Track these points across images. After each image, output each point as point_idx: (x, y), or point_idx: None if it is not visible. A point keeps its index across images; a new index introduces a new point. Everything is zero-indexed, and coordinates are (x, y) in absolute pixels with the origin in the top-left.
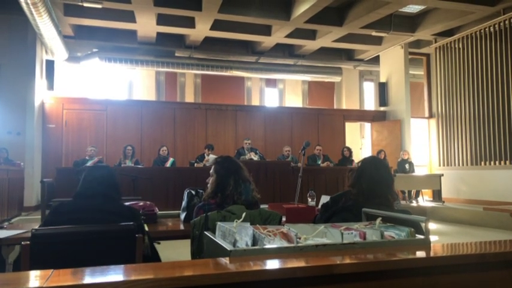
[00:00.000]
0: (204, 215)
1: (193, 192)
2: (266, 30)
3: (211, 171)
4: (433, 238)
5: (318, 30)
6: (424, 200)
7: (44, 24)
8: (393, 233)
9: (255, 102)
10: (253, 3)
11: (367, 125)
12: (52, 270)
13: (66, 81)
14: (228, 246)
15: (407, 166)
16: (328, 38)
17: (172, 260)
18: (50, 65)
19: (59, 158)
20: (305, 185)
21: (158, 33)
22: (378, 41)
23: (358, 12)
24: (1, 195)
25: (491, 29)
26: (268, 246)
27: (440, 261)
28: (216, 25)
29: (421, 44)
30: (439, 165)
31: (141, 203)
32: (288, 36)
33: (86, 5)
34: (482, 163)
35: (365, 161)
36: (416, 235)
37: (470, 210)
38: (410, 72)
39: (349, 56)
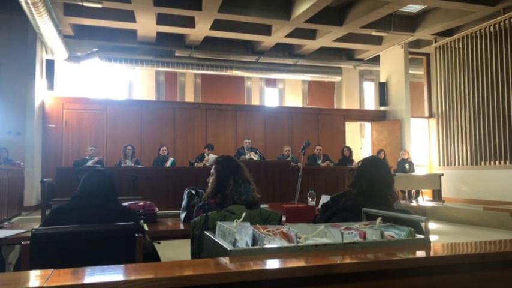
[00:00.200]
0: (204, 214)
1: (193, 192)
2: (266, 30)
3: (212, 170)
4: (433, 238)
5: (318, 30)
6: (424, 200)
7: (44, 23)
8: (393, 233)
9: (255, 102)
10: (253, 3)
11: (367, 125)
12: (52, 270)
13: (66, 81)
14: (228, 246)
15: (407, 166)
16: (328, 37)
17: (172, 259)
18: (50, 64)
19: (59, 158)
20: (305, 185)
21: (158, 33)
22: (378, 40)
23: (358, 12)
24: (1, 195)
25: (491, 29)
26: (268, 246)
27: (440, 261)
28: (216, 25)
29: (421, 44)
30: (439, 165)
31: (141, 203)
32: (288, 36)
33: (85, 4)
34: (482, 163)
35: (365, 161)
36: (417, 235)
37: (470, 210)
38: (410, 72)
39: (349, 55)
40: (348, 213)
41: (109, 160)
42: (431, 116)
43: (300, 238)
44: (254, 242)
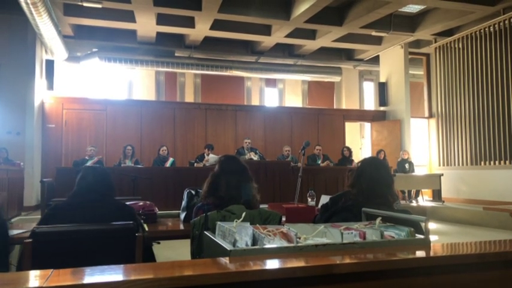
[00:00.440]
0: (204, 214)
1: (193, 192)
2: (266, 30)
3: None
4: (432, 238)
5: (318, 30)
6: (424, 200)
7: (43, 24)
8: (393, 233)
9: (255, 102)
10: (253, 3)
11: (367, 125)
12: (52, 270)
13: (66, 81)
14: (227, 246)
15: (407, 166)
16: (328, 37)
17: (172, 259)
18: (49, 64)
19: (58, 158)
20: (305, 185)
21: (158, 33)
22: (377, 40)
23: (358, 12)
24: (1, 195)
25: (491, 29)
26: (268, 246)
27: (440, 261)
28: (216, 25)
29: (421, 44)
30: (439, 165)
31: (141, 203)
32: (288, 36)
33: (85, 4)
34: (482, 163)
35: (365, 161)
36: (416, 235)
37: (470, 210)
38: (410, 72)
39: (349, 55)
40: (347, 213)
41: (109, 160)
42: (431, 116)
43: (299, 238)
44: (254, 242)
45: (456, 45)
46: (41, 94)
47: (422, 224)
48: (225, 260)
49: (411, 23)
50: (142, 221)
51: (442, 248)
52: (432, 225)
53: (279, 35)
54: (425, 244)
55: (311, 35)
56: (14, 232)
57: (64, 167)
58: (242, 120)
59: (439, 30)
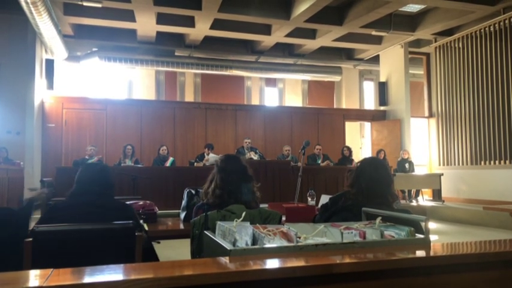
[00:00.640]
0: (204, 214)
1: (193, 191)
2: (266, 30)
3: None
4: (433, 237)
5: (318, 29)
6: (424, 200)
7: (43, 23)
8: (393, 233)
9: (255, 101)
10: (253, 2)
11: (367, 125)
12: (52, 269)
13: (66, 81)
14: (227, 246)
15: (407, 165)
16: (328, 37)
17: (172, 259)
18: (49, 64)
19: (58, 158)
20: (305, 185)
21: (158, 33)
22: (377, 40)
23: (358, 12)
24: (1, 195)
25: (491, 29)
26: (268, 245)
27: (440, 260)
28: (216, 24)
29: (421, 44)
30: (439, 165)
31: (141, 203)
32: (288, 35)
33: (85, 4)
34: (482, 162)
35: (364, 161)
36: (416, 234)
37: (470, 209)
38: (410, 71)
39: (349, 55)
40: (347, 213)
41: (109, 160)
42: (431, 115)
43: (299, 238)
44: (254, 242)
45: (456, 45)
46: (41, 94)
47: (422, 224)
48: (225, 260)
49: (411, 22)
50: (142, 220)
51: (442, 247)
52: (432, 225)
53: (279, 35)
54: (425, 244)
55: (311, 34)
56: None
57: (64, 167)
58: (242, 120)
59: (439, 29)
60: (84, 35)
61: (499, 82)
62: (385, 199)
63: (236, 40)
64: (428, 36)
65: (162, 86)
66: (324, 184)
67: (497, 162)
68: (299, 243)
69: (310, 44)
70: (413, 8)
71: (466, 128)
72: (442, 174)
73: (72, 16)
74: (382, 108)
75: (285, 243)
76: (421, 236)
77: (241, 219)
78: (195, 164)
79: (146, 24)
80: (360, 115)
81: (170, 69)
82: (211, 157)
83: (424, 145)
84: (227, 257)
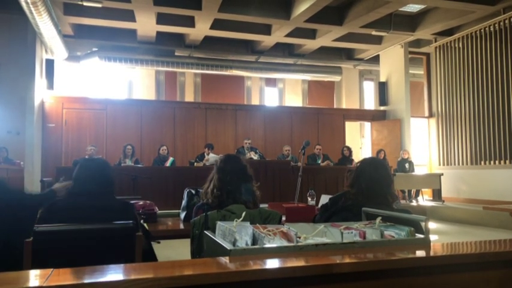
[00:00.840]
0: (204, 214)
1: (193, 191)
2: (266, 30)
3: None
4: (432, 237)
5: (318, 29)
6: (424, 200)
7: (43, 23)
8: (393, 233)
9: (255, 101)
10: (253, 2)
11: (367, 125)
12: (52, 269)
13: (66, 81)
14: (227, 246)
15: (407, 165)
16: (328, 37)
17: (172, 259)
18: (49, 64)
19: (58, 157)
20: (305, 185)
21: (158, 33)
22: (377, 40)
23: (358, 12)
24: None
25: (491, 29)
26: (268, 245)
27: (440, 260)
28: (216, 24)
29: (421, 44)
30: (439, 165)
31: (141, 202)
32: (288, 35)
33: (85, 4)
34: (482, 162)
35: (364, 161)
36: (416, 234)
37: (470, 209)
38: (410, 71)
39: (349, 55)
40: (347, 212)
41: (109, 159)
42: (431, 115)
43: (299, 238)
44: (254, 242)
45: (456, 45)
46: (41, 93)
47: (422, 224)
48: (225, 260)
49: (411, 22)
50: (142, 220)
51: (442, 247)
52: (432, 225)
53: (279, 35)
54: (425, 244)
55: (311, 34)
56: None
57: (64, 167)
58: (242, 120)
59: (439, 29)
60: (84, 35)
61: (499, 82)
62: (385, 199)
63: (236, 40)
64: (428, 36)
65: (162, 86)
66: (324, 184)
67: (497, 162)
68: (299, 243)
69: (310, 44)
70: (414, 8)
71: (466, 128)
72: (442, 174)
73: (72, 16)
74: (382, 108)
75: (285, 243)
76: (421, 236)
77: (241, 219)
78: (195, 164)
79: (146, 24)
80: (360, 115)
81: (170, 69)
82: (211, 157)
83: (424, 145)
84: (227, 257)
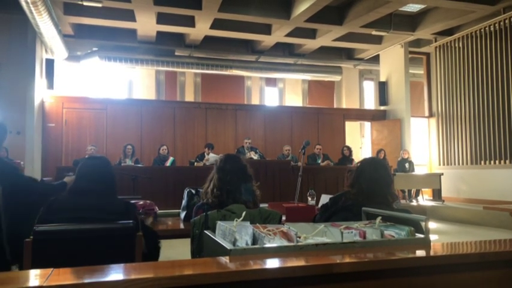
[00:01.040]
0: (204, 214)
1: (193, 191)
2: (266, 29)
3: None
4: (433, 237)
5: (318, 29)
6: (424, 199)
7: (43, 23)
8: (393, 232)
9: (255, 101)
10: (253, 2)
11: (367, 124)
12: (52, 269)
13: (66, 80)
14: (228, 245)
15: (407, 165)
16: (328, 37)
17: (172, 259)
18: (49, 64)
19: (59, 157)
20: (305, 184)
21: (158, 32)
22: (378, 40)
23: (358, 11)
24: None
25: (492, 28)
26: (268, 245)
27: (440, 260)
28: (216, 24)
29: (421, 43)
30: (439, 165)
31: (141, 202)
32: (288, 35)
33: (85, 3)
34: (482, 162)
35: (364, 161)
36: (416, 234)
37: (470, 209)
38: (410, 71)
39: (349, 55)
40: (347, 212)
41: (109, 159)
42: (431, 115)
43: (300, 237)
44: (254, 242)
45: (456, 45)
46: (41, 93)
47: (423, 224)
48: (225, 259)
49: (411, 22)
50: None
51: (442, 247)
52: (432, 225)
53: (279, 34)
54: (426, 243)
55: (311, 34)
56: None
57: (64, 166)
58: (242, 120)
59: (439, 29)
60: (84, 34)
61: (499, 82)
62: (385, 199)
63: (236, 40)
64: (428, 36)
65: (162, 85)
66: (324, 184)
67: (497, 162)
68: (299, 243)
69: (310, 44)
70: (414, 7)
71: (466, 128)
72: (442, 174)
73: (73, 16)
74: (382, 108)
75: (285, 243)
76: (421, 235)
77: (241, 219)
78: (195, 163)
79: (146, 24)
80: (360, 115)
81: (170, 69)
82: (212, 157)
83: (424, 145)
84: (227, 257)
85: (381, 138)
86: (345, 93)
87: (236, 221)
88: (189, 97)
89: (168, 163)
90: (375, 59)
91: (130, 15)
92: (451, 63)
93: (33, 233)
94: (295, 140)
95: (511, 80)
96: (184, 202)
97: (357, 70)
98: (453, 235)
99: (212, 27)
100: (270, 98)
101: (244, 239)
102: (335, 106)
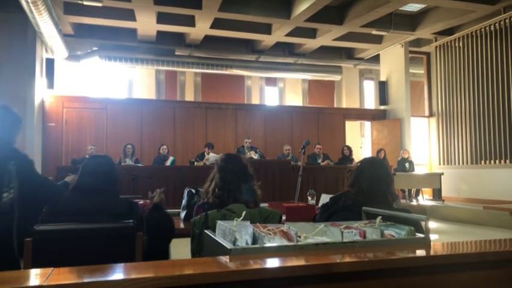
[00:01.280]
0: (204, 213)
1: (193, 191)
2: (266, 29)
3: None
4: (433, 237)
5: (318, 28)
6: (424, 199)
7: (44, 22)
8: (393, 232)
9: (255, 101)
10: (253, 1)
11: (367, 124)
12: (52, 268)
13: (66, 80)
14: (228, 245)
15: (407, 165)
16: (328, 36)
17: (172, 258)
18: (50, 63)
19: (59, 157)
20: (305, 184)
21: (158, 32)
22: (378, 39)
23: (359, 11)
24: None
25: (492, 28)
26: (268, 244)
27: (440, 260)
28: (216, 23)
29: (421, 43)
30: (439, 164)
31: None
32: (288, 34)
33: (86, 3)
34: (483, 162)
35: (364, 161)
36: (417, 234)
37: (470, 209)
38: (411, 71)
39: (349, 54)
40: (347, 212)
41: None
42: (431, 115)
43: (300, 237)
44: (254, 241)
45: (456, 44)
46: (41, 93)
47: (423, 223)
48: (225, 259)
49: (412, 21)
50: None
51: (442, 247)
52: (432, 224)
53: (279, 34)
54: (426, 243)
55: (311, 33)
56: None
57: (64, 166)
58: (242, 119)
59: (439, 29)
60: (84, 34)
61: (499, 81)
62: (385, 199)
63: (236, 39)
64: (428, 36)
65: (162, 85)
66: (324, 183)
67: (497, 161)
68: (299, 243)
69: (311, 43)
70: (414, 7)
71: (466, 128)
72: (442, 174)
73: (73, 15)
74: (382, 107)
75: (285, 243)
76: (421, 235)
77: (241, 218)
78: (195, 163)
79: (146, 24)
80: (360, 114)
81: (170, 68)
82: (212, 156)
83: (424, 144)
84: (227, 256)
85: (381, 138)
86: (345, 92)
87: (236, 220)
88: (189, 97)
89: (168, 163)
90: (375, 59)
91: (130, 15)
92: (451, 62)
93: (33, 233)
94: (295, 140)
95: (511, 80)
96: (184, 201)
97: (357, 70)
98: (453, 235)
99: (212, 26)
100: (270, 97)
101: (244, 239)
102: (335, 106)
